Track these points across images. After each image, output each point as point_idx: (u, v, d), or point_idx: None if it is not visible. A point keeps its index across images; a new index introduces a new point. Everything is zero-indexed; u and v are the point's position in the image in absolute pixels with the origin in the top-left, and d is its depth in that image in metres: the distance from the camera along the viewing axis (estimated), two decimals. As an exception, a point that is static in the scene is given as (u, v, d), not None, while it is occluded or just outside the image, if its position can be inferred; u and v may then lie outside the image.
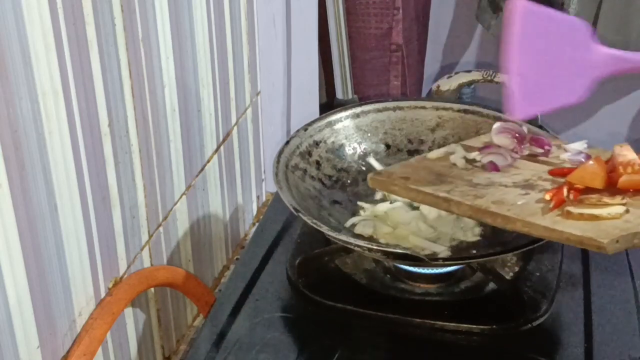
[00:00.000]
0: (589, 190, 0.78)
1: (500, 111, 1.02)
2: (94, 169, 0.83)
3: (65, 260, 0.80)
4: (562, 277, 0.92)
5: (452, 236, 0.93)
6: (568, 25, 0.79)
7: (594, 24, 1.51)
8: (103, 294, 0.89)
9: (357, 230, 0.94)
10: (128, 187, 0.91)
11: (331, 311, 0.89)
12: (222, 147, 1.18)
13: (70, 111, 0.77)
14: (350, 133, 1.05)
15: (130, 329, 0.97)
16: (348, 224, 0.95)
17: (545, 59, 0.77)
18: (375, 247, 0.85)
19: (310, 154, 1.01)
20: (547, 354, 0.83)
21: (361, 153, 1.05)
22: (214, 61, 1.11)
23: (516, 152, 0.89)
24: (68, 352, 0.82)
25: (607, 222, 0.73)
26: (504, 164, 0.87)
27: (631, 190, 0.77)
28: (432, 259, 0.85)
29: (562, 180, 0.81)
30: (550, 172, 0.85)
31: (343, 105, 1.11)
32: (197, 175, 1.10)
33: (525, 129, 0.92)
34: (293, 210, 0.88)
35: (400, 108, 1.07)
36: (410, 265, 0.91)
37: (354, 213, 0.98)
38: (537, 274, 0.92)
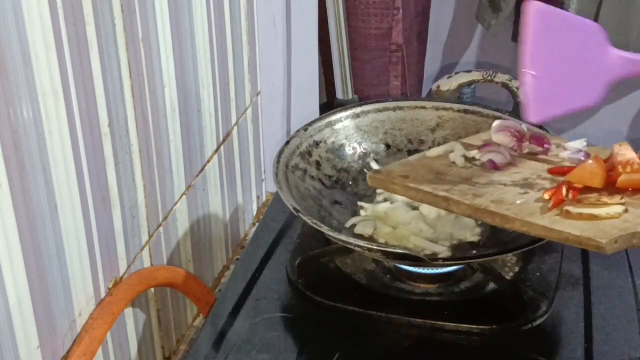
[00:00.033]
0: (588, 189, 0.78)
1: (500, 111, 1.02)
2: (94, 169, 0.83)
3: (65, 260, 0.80)
4: (562, 277, 0.92)
5: (452, 236, 0.93)
6: (583, 28, 0.79)
7: (594, 24, 1.50)
8: (103, 294, 0.89)
9: (357, 230, 0.94)
10: (128, 187, 0.91)
11: (331, 311, 0.89)
12: (222, 147, 1.18)
13: (70, 111, 0.77)
14: (350, 133, 1.05)
15: (130, 329, 0.97)
16: (348, 224, 0.95)
17: (560, 61, 0.77)
18: (375, 247, 0.85)
19: (310, 154, 1.01)
20: (547, 354, 0.83)
21: (361, 153, 1.05)
22: (214, 61, 1.11)
23: (515, 150, 0.89)
24: (68, 352, 0.82)
25: (606, 221, 0.73)
26: (503, 162, 0.87)
27: (630, 189, 0.77)
28: (432, 259, 0.85)
29: (561, 179, 0.81)
30: (550, 171, 0.85)
31: (343, 105, 1.11)
32: (197, 175, 1.10)
33: (524, 127, 0.92)
34: (293, 210, 0.88)
35: (400, 108, 1.07)
36: (410, 265, 0.91)
37: (354, 213, 0.98)
38: (537, 274, 0.92)
